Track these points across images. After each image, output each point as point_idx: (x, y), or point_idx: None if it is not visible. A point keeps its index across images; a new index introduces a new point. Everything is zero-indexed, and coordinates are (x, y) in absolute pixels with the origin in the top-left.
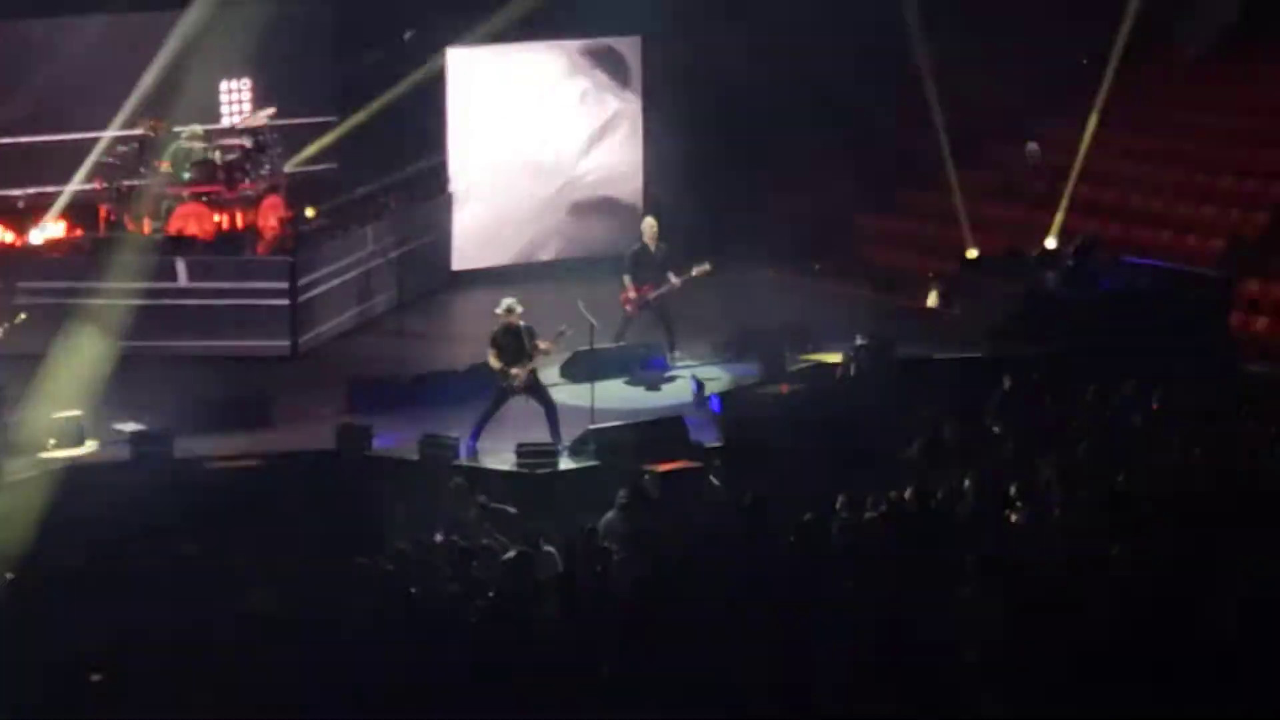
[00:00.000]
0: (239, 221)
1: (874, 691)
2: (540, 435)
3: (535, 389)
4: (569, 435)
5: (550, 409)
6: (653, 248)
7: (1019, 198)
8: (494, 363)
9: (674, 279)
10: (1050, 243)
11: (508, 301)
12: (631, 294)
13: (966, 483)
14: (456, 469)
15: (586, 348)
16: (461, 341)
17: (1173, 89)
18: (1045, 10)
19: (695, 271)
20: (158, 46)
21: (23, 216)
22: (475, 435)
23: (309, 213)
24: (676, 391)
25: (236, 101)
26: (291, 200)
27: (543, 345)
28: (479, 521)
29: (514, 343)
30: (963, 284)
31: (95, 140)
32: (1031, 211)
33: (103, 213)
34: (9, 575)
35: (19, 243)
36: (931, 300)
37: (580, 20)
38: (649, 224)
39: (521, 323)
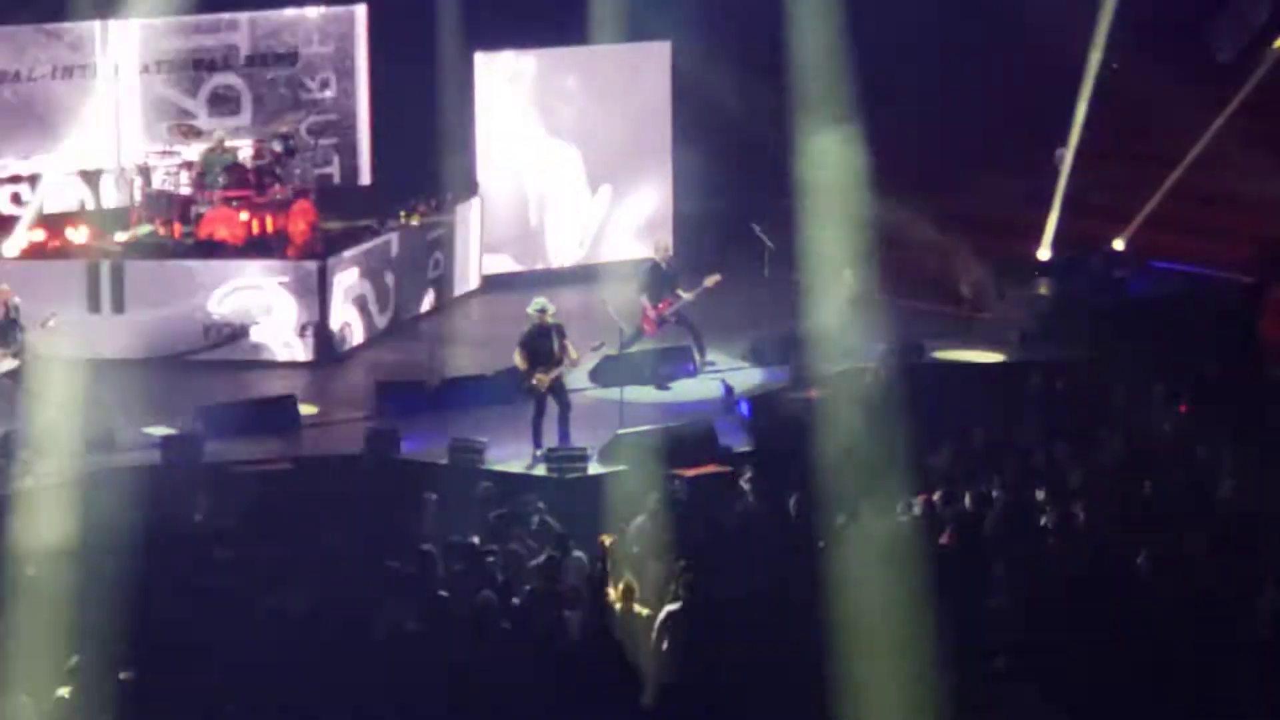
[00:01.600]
0: (269, 225)
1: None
2: (572, 440)
3: (557, 391)
4: (600, 439)
5: (565, 410)
6: (664, 265)
7: (1047, 203)
8: (520, 363)
9: (684, 294)
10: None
11: (540, 301)
12: (651, 313)
13: (995, 490)
14: (485, 473)
15: (615, 353)
16: (490, 345)
17: (1199, 93)
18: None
19: (707, 283)
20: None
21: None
22: (538, 443)
23: (342, 229)
24: (706, 394)
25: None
26: (321, 205)
27: (573, 354)
28: (541, 528)
29: (544, 344)
30: (994, 288)
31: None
32: (1060, 217)
33: (133, 218)
34: (31, 571)
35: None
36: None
37: (609, 24)
38: (662, 242)
39: (552, 322)
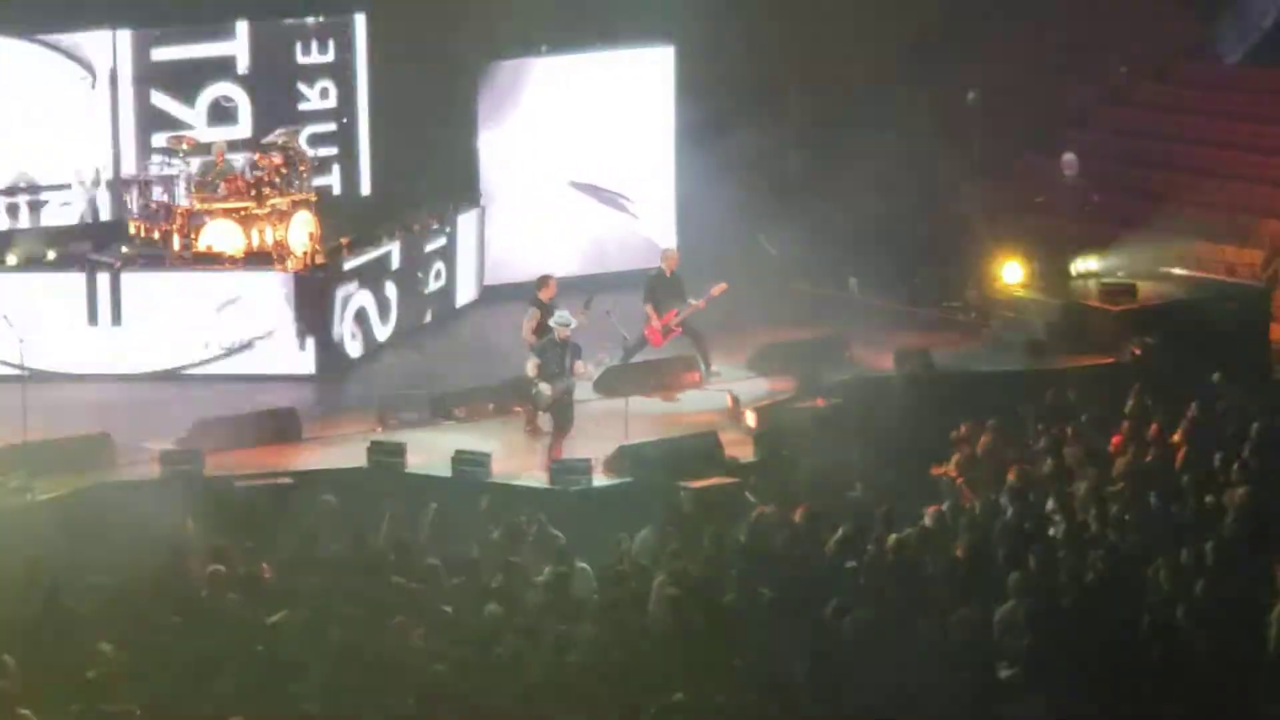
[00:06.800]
0: (269, 237)
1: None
2: (577, 452)
3: (564, 407)
4: (604, 450)
5: (567, 428)
6: (669, 274)
7: (1056, 210)
8: (530, 371)
9: (693, 301)
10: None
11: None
12: (656, 324)
13: (1003, 498)
14: (488, 487)
15: (619, 363)
16: (493, 356)
17: (1211, 97)
18: (1081, 19)
19: (714, 291)
20: None
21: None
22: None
23: (343, 241)
24: (712, 405)
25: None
26: (321, 216)
27: (580, 369)
28: (539, 541)
29: (557, 356)
30: (1000, 297)
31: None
32: (1068, 224)
33: (133, 230)
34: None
35: None
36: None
37: (612, 30)
38: (670, 252)
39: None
